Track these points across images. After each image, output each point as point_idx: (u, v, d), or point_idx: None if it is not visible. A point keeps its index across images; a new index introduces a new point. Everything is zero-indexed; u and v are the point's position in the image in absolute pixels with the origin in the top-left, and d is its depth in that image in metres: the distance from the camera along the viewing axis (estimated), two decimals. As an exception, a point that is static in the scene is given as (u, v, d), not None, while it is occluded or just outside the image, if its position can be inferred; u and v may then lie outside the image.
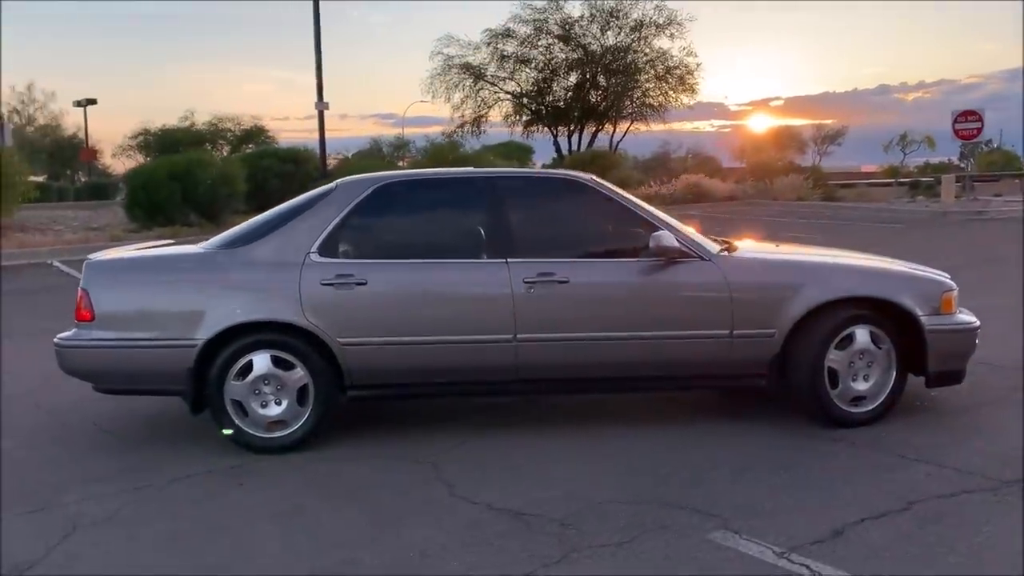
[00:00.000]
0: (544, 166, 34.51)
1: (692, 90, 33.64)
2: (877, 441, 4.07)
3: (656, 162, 33.06)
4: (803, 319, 4.21)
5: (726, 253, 4.43)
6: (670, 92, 34.08)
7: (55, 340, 4.32)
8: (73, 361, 4.29)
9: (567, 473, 3.79)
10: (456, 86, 33.85)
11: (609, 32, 32.83)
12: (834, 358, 4.23)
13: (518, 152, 48.74)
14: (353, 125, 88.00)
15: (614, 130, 34.68)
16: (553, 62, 33.56)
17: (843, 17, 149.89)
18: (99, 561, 3.08)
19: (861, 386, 4.28)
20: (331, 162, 37.48)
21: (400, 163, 37.86)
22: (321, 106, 18.69)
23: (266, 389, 4.17)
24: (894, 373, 4.31)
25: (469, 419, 4.62)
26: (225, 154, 36.41)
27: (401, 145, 46.22)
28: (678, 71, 33.33)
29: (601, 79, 33.36)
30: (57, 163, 50.73)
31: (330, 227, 4.29)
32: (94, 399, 4.65)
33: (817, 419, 4.30)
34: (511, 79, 34.10)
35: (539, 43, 33.19)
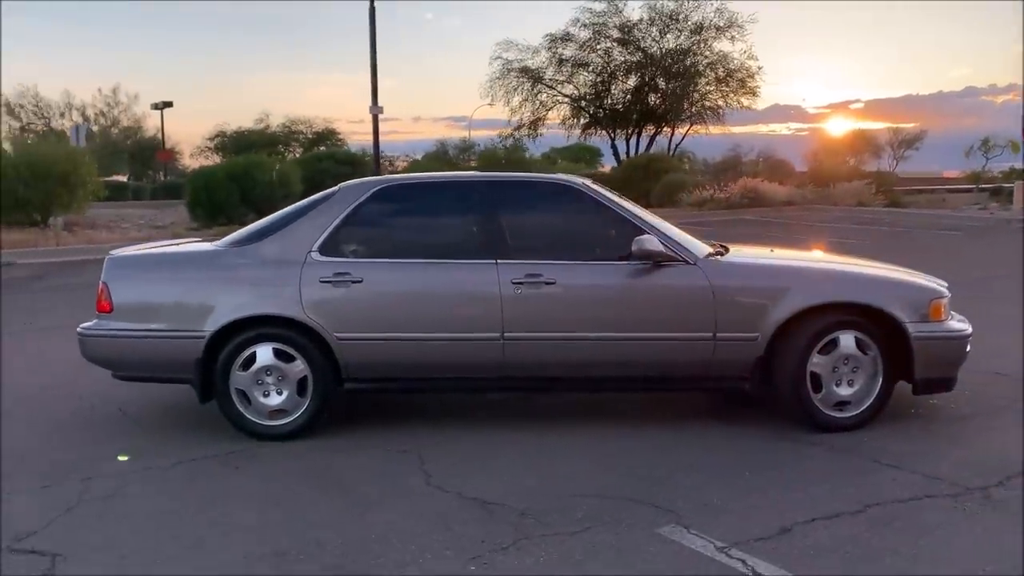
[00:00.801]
0: (612, 169, 34.51)
1: (753, 93, 33.24)
2: (857, 446, 4.10)
3: (726, 165, 32.55)
4: (786, 323, 4.26)
5: (715, 257, 4.50)
6: (731, 95, 33.72)
7: (78, 329, 4.64)
8: (93, 349, 4.60)
9: (545, 468, 3.93)
10: (515, 90, 34.11)
11: (669, 35, 32.67)
12: (817, 362, 4.27)
13: (586, 154, 48.72)
14: (426, 127, 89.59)
15: (672, 133, 34.47)
16: (612, 65, 33.53)
17: (930, 16, 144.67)
18: (92, 532, 3.34)
19: (845, 391, 4.31)
20: (401, 164, 38.24)
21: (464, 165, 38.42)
22: (375, 110, 19.18)
23: (268, 379, 4.41)
24: (881, 379, 4.33)
25: (467, 414, 4.79)
26: (298, 155, 37.53)
27: (466, 147, 46.93)
28: (739, 74, 32.95)
29: (660, 82, 33.18)
30: (138, 163, 52.60)
31: (331, 227, 4.51)
32: (123, 387, 4.96)
33: (801, 423, 4.34)
34: (569, 82, 34.19)
35: (598, 47, 33.22)
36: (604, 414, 4.77)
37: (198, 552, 3.13)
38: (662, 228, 4.52)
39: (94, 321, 4.61)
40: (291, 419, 4.43)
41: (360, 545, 3.14)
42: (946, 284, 4.73)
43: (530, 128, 34.85)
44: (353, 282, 4.39)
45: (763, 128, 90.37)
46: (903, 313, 4.28)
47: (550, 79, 34.10)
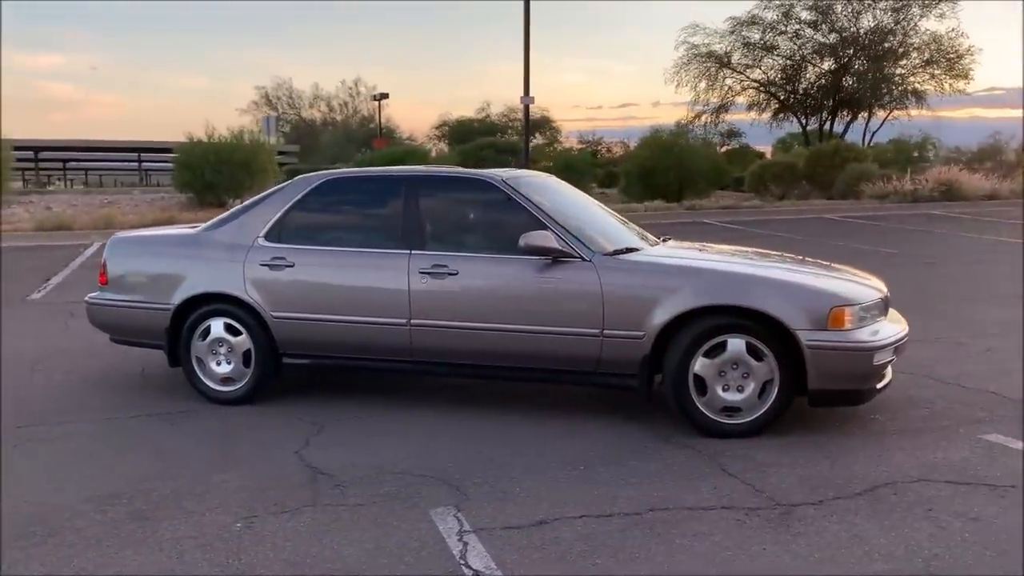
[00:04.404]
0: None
1: (964, 75, 30.27)
2: (724, 452, 3.99)
3: (984, 154, 29.47)
4: (671, 323, 4.20)
5: (616, 255, 4.51)
6: (942, 77, 30.92)
7: (85, 298, 5.48)
8: (93, 315, 5.42)
9: (408, 446, 4.19)
10: (701, 75, 33.30)
11: (867, 14, 30.47)
12: (702, 365, 4.17)
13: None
14: (664, 112, 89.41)
15: (869, 118, 32.17)
16: (803, 48, 31.82)
17: None
18: (8, 467, 4.04)
19: (734, 397, 4.18)
20: (617, 150, 38.52)
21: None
22: (527, 100, 19.68)
23: (220, 350, 5.00)
24: (777, 387, 4.15)
25: (395, 392, 5.14)
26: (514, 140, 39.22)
27: (680, 133, 46.60)
28: (950, 55, 30.11)
29: (857, 64, 31.04)
30: (369, 150, 56.48)
31: (277, 215, 5.00)
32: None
33: (685, 425, 4.27)
34: (757, 66, 32.86)
35: (787, 29, 31.64)
36: (522, 401, 4.91)
37: (59, 490, 3.71)
38: (568, 224, 4.57)
39: (96, 292, 5.41)
40: (237, 387, 4.99)
41: (177, 497, 3.58)
42: (882, 292, 4.41)
43: (715, 114, 33.93)
44: (286, 266, 4.85)
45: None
46: (794, 319, 4.07)
47: (737, 63, 32.98)
